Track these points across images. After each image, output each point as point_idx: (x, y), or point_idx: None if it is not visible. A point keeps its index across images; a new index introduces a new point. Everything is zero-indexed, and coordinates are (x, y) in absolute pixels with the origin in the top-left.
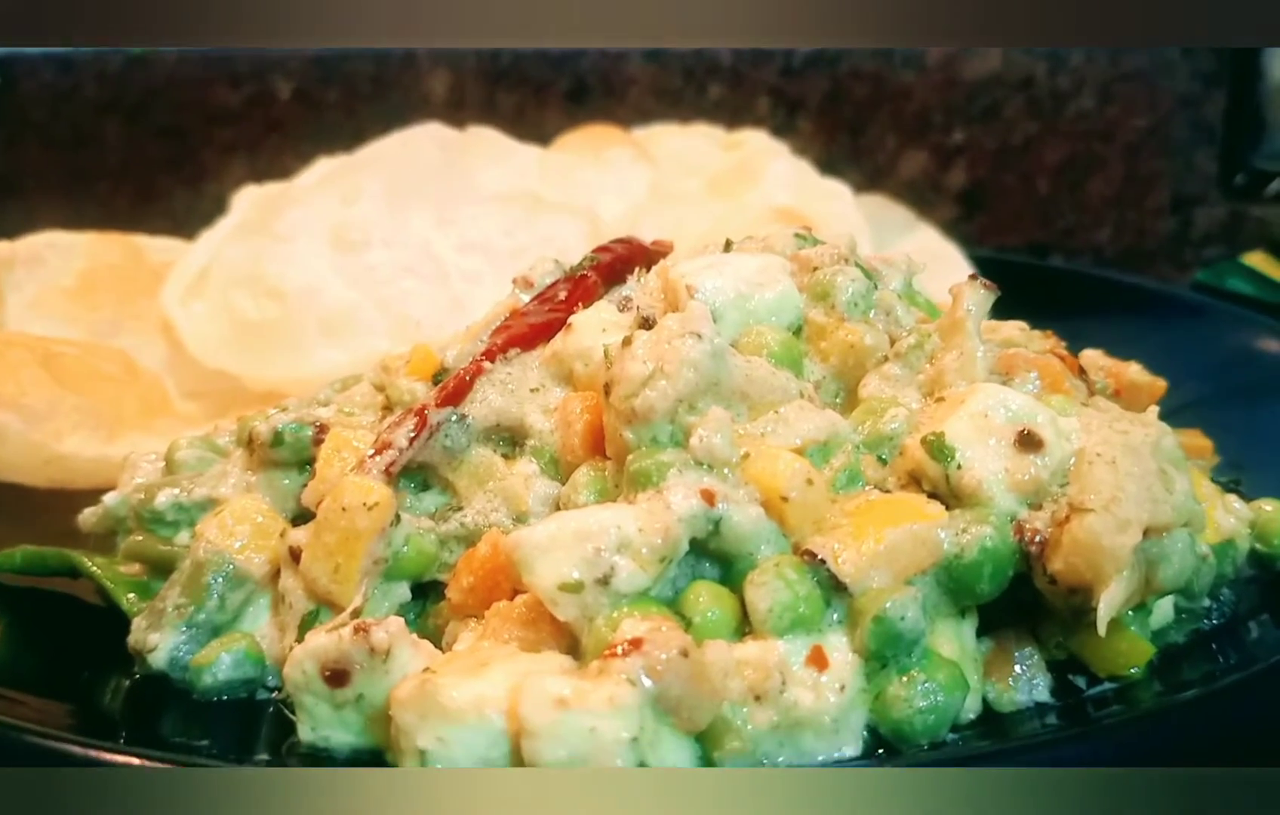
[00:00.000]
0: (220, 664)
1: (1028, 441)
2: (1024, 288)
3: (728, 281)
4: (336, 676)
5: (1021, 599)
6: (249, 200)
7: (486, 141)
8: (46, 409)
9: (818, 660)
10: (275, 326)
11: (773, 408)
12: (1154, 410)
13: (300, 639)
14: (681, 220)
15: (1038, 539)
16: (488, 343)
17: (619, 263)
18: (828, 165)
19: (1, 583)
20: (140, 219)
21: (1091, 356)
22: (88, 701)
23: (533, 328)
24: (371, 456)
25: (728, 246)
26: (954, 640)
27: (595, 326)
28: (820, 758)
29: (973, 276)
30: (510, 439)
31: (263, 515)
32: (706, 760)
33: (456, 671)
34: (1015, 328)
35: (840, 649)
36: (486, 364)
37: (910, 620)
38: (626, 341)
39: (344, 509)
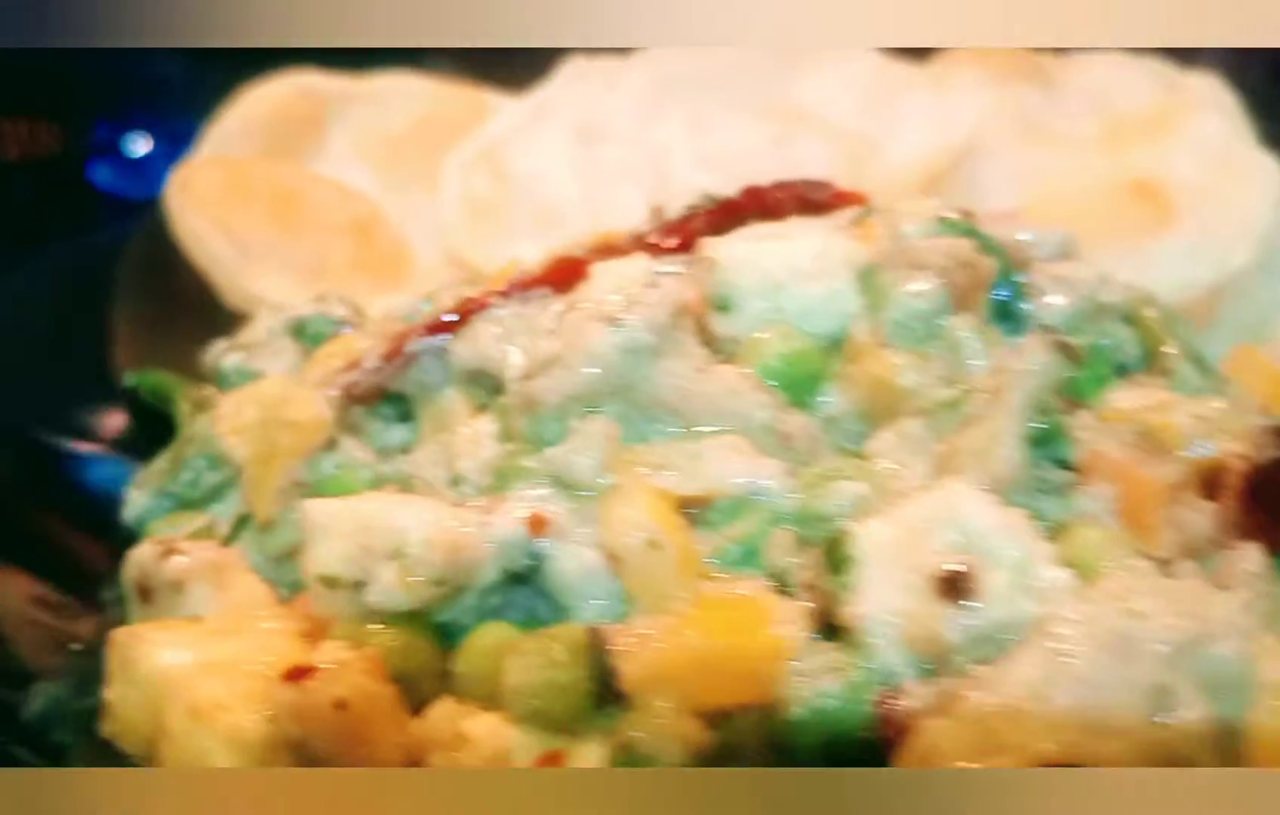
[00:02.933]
0: None
1: (953, 586)
2: None
3: (764, 261)
4: (144, 593)
5: None
6: (567, 69)
7: None
8: (259, 247)
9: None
10: (496, 210)
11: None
12: None
13: (230, 534)
14: (1015, 177)
15: (895, 721)
16: (518, 276)
17: (747, 210)
18: None
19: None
20: None
21: None
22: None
23: (567, 266)
24: (341, 372)
25: (860, 218)
26: None
27: (614, 281)
28: None
29: (1044, 328)
30: (492, 388)
31: (275, 403)
32: None
33: (186, 632)
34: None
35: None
36: (494, 300)
37: None
38: (570, 305)
39: (274, 420)
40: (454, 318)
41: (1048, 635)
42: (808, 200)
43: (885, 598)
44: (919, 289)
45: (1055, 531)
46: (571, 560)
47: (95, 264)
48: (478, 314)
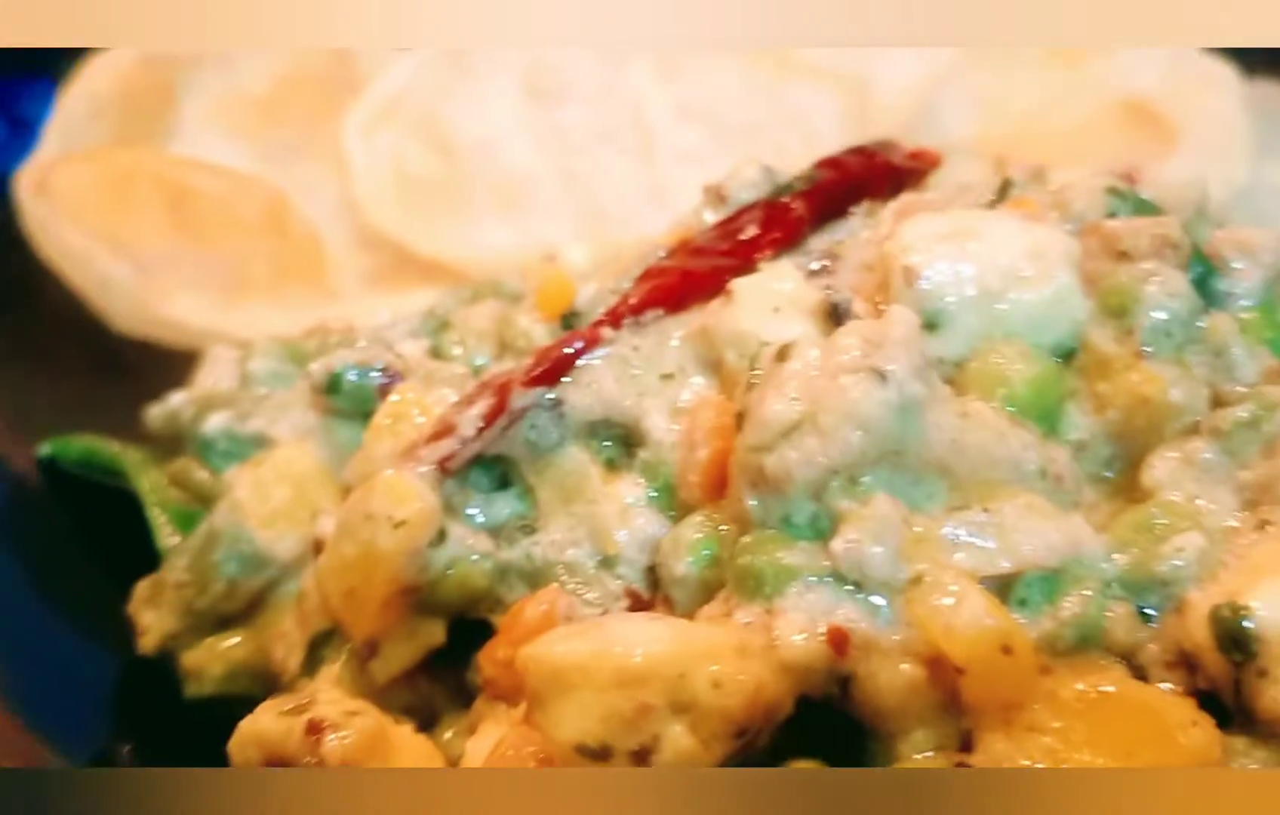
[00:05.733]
0: (206, 678)
1: None
2: None
3: (973, 267)
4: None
5: None
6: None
7: None
8: (162, 261)
9: None
10: (441, 186)
11: (991, 492)
12: None
13: (306, 661)
14: (1003, 96)
15: None
16: (621, 294)
17: (842, 187)
18: None
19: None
20: None
21: None
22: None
23: (685, 279)
24: (428, 441)
25: (1004, 192)
26: None
27: (766, 300)
28: None
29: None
30: (622, 441)
31: (310, 477)
32: None
33: None
34: None
35: None
36: (607, 332)
37: None
38: (783, 353)
39: (368, 516)
40: (561, 361)
41: None
42: (893, 167)
43: None
44: (1173, 287)
45: None
46: (887, 679)
47: None
48: (589, 352)
